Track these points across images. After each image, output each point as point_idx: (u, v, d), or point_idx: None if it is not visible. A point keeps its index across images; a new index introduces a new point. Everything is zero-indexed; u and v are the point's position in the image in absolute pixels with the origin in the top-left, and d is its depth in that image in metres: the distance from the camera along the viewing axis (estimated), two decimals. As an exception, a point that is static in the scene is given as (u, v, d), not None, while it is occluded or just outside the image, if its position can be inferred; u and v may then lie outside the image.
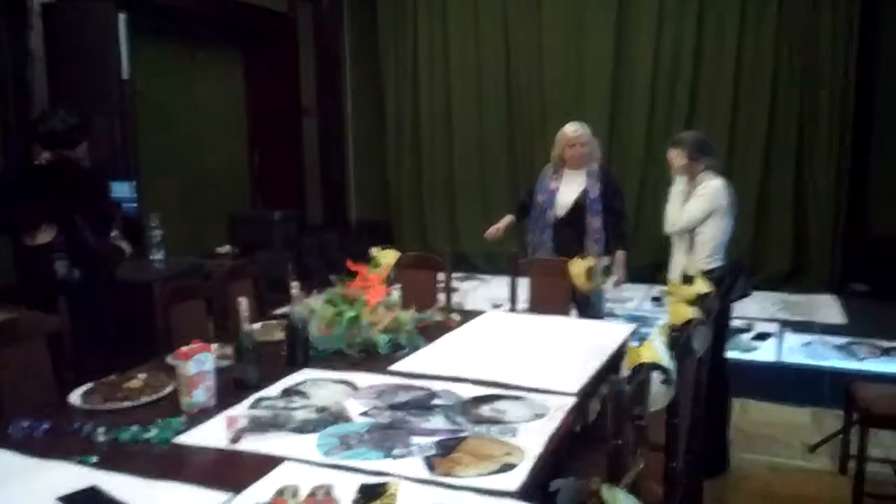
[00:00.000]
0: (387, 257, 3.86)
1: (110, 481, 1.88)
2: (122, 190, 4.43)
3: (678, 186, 3.81)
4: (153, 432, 2.17)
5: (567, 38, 7.77)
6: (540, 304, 3.97)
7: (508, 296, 4.19)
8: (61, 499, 1.80)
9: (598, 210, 4.37)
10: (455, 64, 8.29)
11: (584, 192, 4.38)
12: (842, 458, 3.77)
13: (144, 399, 2.43)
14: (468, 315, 3.64)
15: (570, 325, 3.60)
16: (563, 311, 3.92)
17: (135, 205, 4.95)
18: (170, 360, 2.74)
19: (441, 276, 4.17)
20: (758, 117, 7.17)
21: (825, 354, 5.13)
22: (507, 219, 4.70)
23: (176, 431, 2.19)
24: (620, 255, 4.44)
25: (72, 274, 3.51)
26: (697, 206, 3.72)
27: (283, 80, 7.91)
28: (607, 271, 4.39)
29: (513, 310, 4.15)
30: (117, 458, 2.02)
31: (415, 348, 3.02)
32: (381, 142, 8.85)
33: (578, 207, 4.38)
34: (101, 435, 2.16)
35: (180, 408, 2.34)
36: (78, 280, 3.48)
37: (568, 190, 4.42)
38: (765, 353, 5.21)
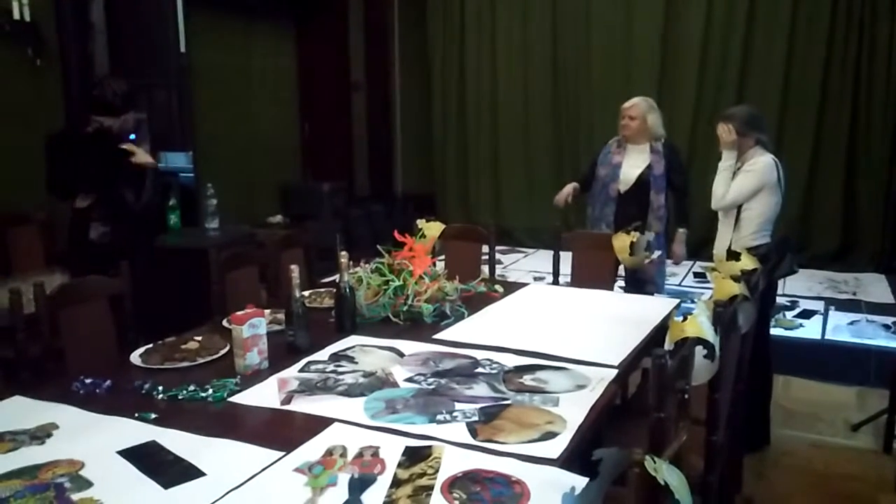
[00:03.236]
0: (432, 229, 3.90)
1: (168, 437, 1.94)
2: (178, 160, 4.48)
3: (726, 161, 3.75)
4: (209, 392, 2.24)
5: (615, 10, 7.67)
6: (583, 278, 3.96)
7: (551, 269, 4.18)
8: (121, 452, 1.86)
9: (662, 186, 4.32)
10: (501, 38, 8.25)
11: (649, 168, 4.32)
12: (886, 437, 3.75)
13: (200, 360, 2.51)
14: (511, 287, 3.66)
15: (612, 299, 3.59)
16: (607, 286, 3.89)
17: (191, 175, 5.02)
18: (225, 323, 2.84)
19: (485, 248, 4.19)
20: (810, 93, 7.03)
21: (871, 333, 5.06)
22: (571, 186, 4.59)
23: (231, 391, 2.25)
24: (681, 232, 4.41)
25: (103, 238, 3.59)
26: (745, 183, 3.67)
27: (334, 53, 7.97)
28: (650, 247, 4.32)
29: (555, 283, 4.15)
30: (175, 416, 2.09)
31: (459, 318, 3.05)
32: (428, 116, 8.88)
33: (642, 183, 4.33)
34: (159, 393, 2.23)
35: (235, 369, 2.41)
36: (110, 244, 3.56)
37: (632, 165, 4.37)
38: (809, 330, 5.16)
